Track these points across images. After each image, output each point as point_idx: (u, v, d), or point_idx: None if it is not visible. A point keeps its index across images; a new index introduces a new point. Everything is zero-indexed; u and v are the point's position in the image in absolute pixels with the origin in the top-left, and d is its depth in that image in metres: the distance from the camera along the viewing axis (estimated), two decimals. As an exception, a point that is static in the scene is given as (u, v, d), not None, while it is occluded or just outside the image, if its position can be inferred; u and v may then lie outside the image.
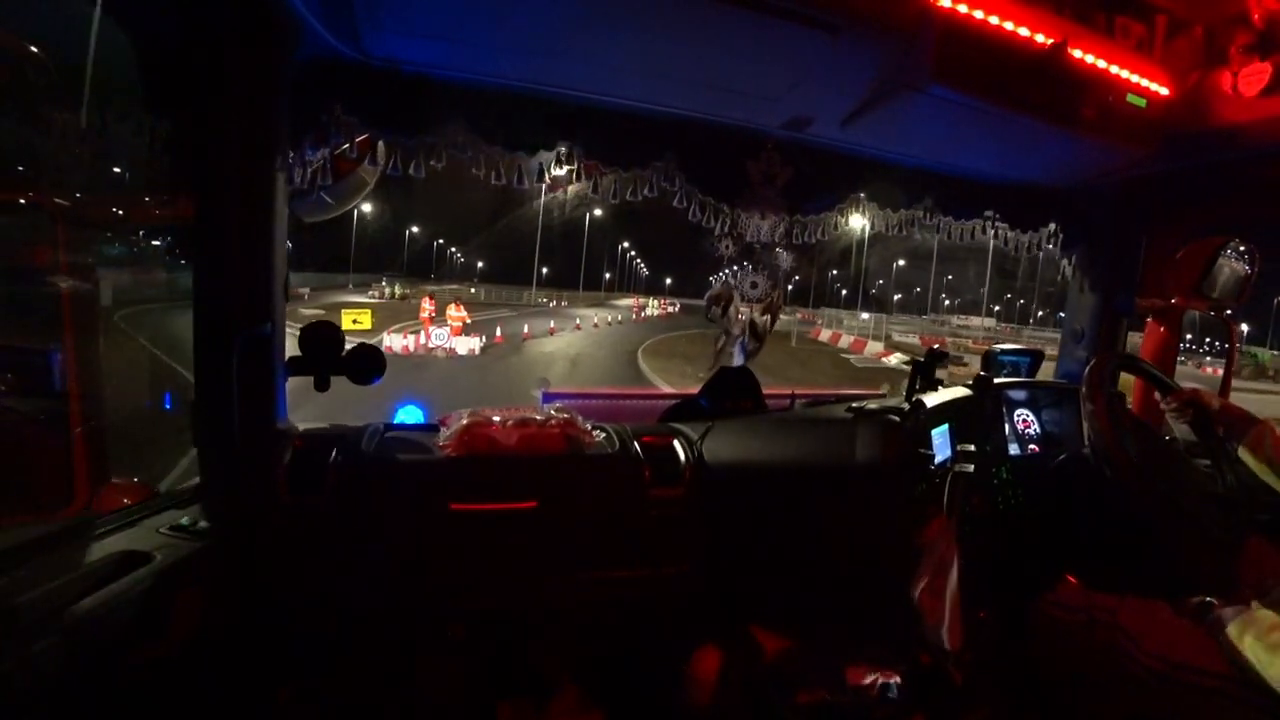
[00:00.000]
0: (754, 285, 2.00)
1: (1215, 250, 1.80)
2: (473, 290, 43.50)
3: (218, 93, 1.26)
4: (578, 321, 22.99)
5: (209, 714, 1.18)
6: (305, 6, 1.26)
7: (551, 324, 20.46)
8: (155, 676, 1.01)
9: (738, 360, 2.08)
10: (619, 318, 28.69)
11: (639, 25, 1.32)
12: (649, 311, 37.02)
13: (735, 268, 2.01)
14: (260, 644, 1.31)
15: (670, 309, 40.87)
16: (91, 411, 1.09)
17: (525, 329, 17.40)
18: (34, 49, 0.99)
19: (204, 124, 1.27)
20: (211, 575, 1.15)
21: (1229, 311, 2.01)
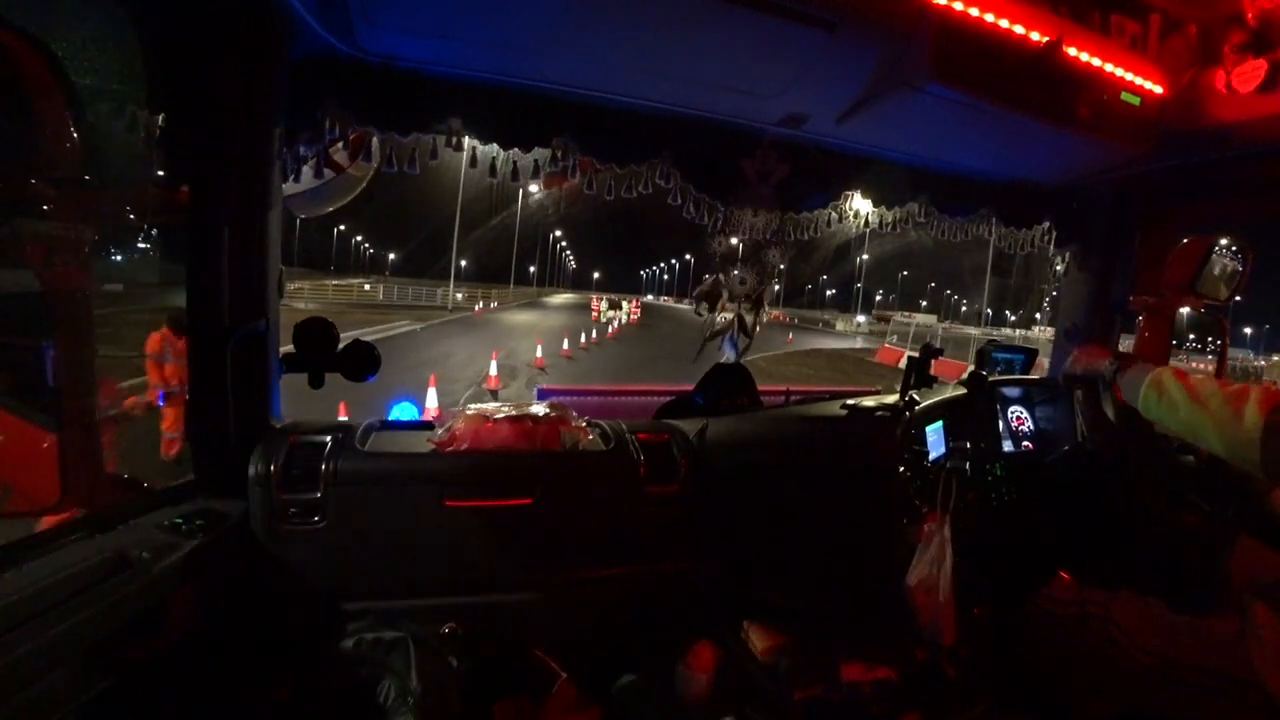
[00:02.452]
0: (742, 281, 2.00)
1: (1209, 248, 1.81)
2: (367, 287, 31.88)
3: (213, 89, 1.25)
4: (538, 353, 12.39)
5: (205, 713, 1.17)
6: (301, 3, 1.25)
7: (493, 369, 9.90)
8: (150, 676, 1.01)
9: (729, 356, 2.08)
10: (592, 334, 17.49)
11: (634, 22, 1.31)
12: (611, 316, 25.67)
13: (725, 262, 2.01)
14: (255, 642, 1.31)
15: (637, 312, 29.73)
16: (84, 409, 1.08)
17: (430, 399, 7.35)
18: (30, 45, 0.98)
19: (199, 120, 1.27)
20: (206, 573, 1.15)
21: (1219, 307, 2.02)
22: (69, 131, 1.03)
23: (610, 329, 20.64)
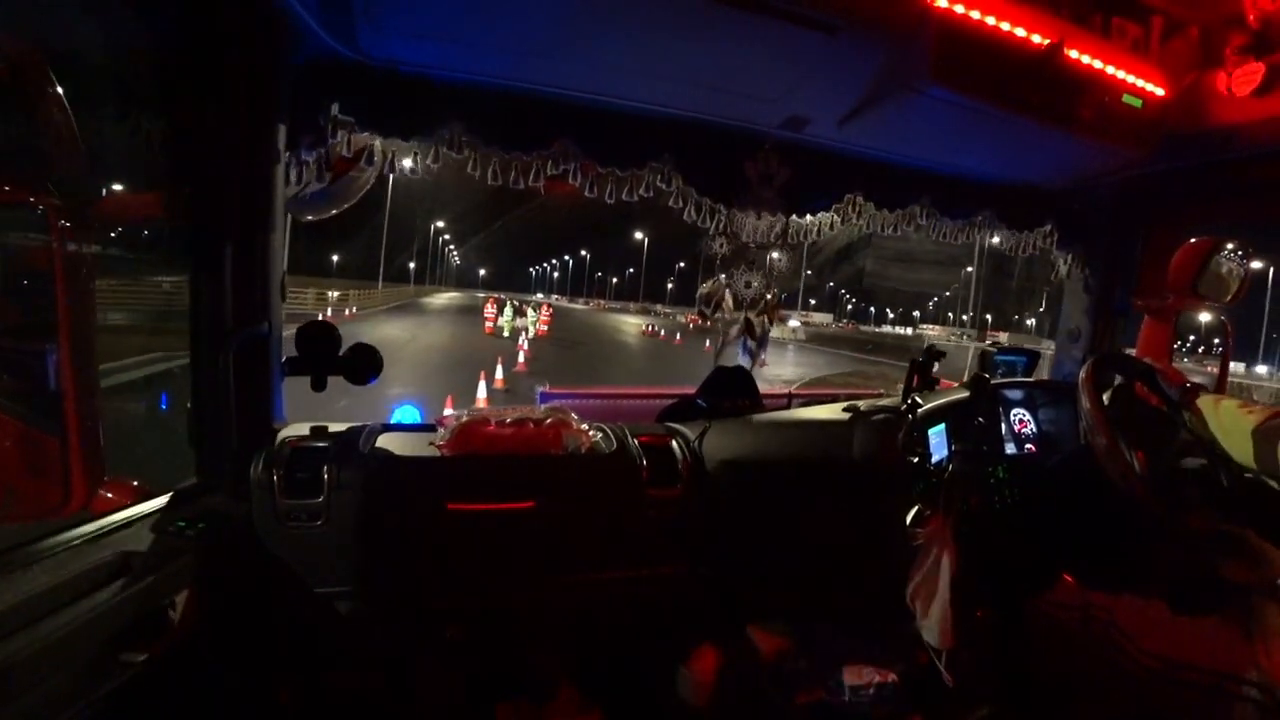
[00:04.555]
0: (748, 285, 2.01)
1: (1212, 249, 1.81)
2: (167, 287, 12.66)
3: (216, 93, 1.26)
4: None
5: (207, 716, 1.17)
6: (303, 7, 1.26)
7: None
8: (152, 678, 1.01)
9: (741, 361, 2.09)
10: (495, 372, 9.46)
11: (637, 25, 1.32)
12: (517, 326, 18.40)
13: (729, 270, 2.01)
14: (257, 646, 1.31)
15: (547, 322, 20.90)
16: (87, 412, 1.08)
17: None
18: (31, 48, 0.98)
19: (202, 124, 1.27)
20: (208, 576, 1.15)
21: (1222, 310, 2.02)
22: (72, 134, 1.04)
23: (521, 355, 12.50)
